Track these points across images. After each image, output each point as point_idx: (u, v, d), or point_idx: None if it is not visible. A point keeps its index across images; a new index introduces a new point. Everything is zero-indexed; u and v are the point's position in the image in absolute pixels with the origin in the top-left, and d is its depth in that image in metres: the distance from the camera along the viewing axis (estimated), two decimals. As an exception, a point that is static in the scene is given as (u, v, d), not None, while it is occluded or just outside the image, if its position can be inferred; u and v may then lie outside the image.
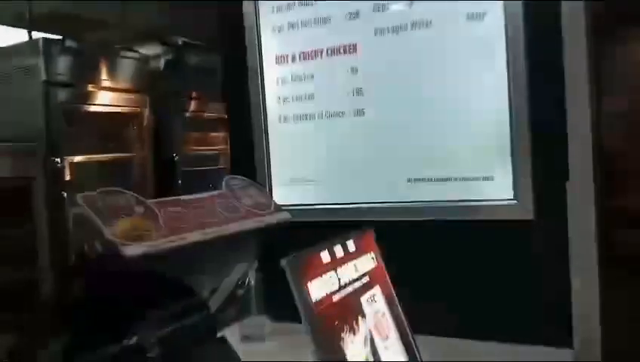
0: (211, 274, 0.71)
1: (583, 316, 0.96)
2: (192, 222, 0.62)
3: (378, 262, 0.69)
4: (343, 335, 0.54)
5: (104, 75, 2.61)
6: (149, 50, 2.93)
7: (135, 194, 0.58)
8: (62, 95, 2.38)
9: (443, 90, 1.03)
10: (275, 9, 1.18)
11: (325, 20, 1.13)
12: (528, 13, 0.96)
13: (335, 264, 0.59)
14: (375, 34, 1.08)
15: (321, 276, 0.55)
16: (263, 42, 1.19)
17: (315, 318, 0.50)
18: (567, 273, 0.96)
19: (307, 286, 0.52)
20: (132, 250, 0.52)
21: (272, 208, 0.74)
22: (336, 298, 0.55)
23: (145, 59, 2.81)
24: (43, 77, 2.27)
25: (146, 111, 2.77)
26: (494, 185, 1.00)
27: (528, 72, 0.97)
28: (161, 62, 2.87)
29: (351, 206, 1.11)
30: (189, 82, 2.92)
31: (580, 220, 0.95)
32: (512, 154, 0.98)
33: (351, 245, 0.64)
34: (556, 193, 0.96)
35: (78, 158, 2.45)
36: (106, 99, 2.62)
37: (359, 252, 0.65)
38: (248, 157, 1.22)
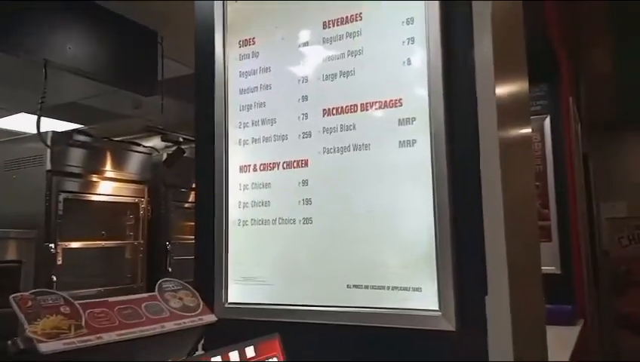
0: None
1: None
2: (113, 323, 0.70)
3: (283, 367, 0.76)
4: None
5: (107, 166, 2.80)
6: (151, 143, 3.15)
7: (64, 295, 0.67)
8: (64, 184, 2.55)
9: (379, 206, 1.15)
10: (242, 125, 1.33)
11: (283, 137, 1.27)
12: (449, 141, 1.09)
13: (227, 368, 0.66)
14: (323, 152, 1.21)
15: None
16: (230, 153, 1.33)
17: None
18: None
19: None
20: (48, 346, 0.61)
21: (200, 311, 0.83)
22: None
23: (147, 153, 3.01)
24: (48, 166, 2.45)
25: (144, 201, 2.92)
26: (422, 296, 1.08)
27: (451, 194, 1.08)
28: (162, 156, 3.06)
29: (294, 307, 1.19)
30: (186, 175, 3.10)
31: (497, 333, 1.02)
32: (437, 268, 1.07)
33: (250, 351, 0.72)
34: (477, 306, 1.04)
35: (73, 244, 2.57)
36: (106, 189, 2.79)
37: (260, 356, 0.73)
38: (209, 253, 1.32)
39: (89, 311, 0.67)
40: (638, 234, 7.32)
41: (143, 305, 0.76)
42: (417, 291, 1.09)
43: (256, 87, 1.32)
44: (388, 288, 1.12)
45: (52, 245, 2.38)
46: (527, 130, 1.49)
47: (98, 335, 0.66)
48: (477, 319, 1.04)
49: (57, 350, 0.61)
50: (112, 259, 2.75)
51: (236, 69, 1.35)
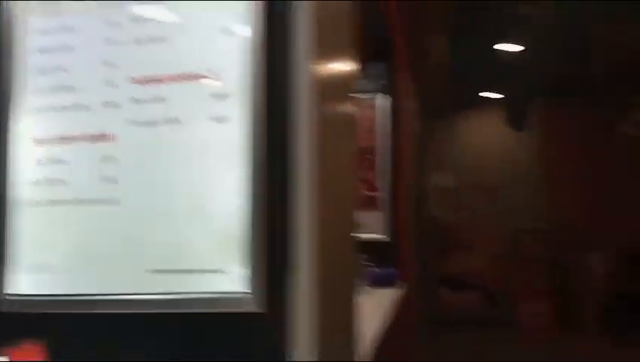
0: None
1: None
2: None
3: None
4: None
5: None
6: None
7: None
8: None
9: (190, 185, 1.09)
10: (37, 91, 1.17)
11: (85, 107, 1.14)
12: (265, 119, 1.07)
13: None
14: (131, 125, 1.12)
15: None
16: (21, 123, 1.16)
17: None
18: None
19: None
20: None
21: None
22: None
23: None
24: None
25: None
26: (232, 278, 1.06)
27: (262, 174, 1.06)
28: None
29: (94, 297, 1.10)
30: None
31: (303, 309, 1.04)
32: (248, 250, 1.05)
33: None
34: (286, 287, 1.05)
35: None
36: None
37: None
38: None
39: None
40: (463, 202, 8.17)
41: None
42: (227, 273, 1.06)
43: (57, 48, 1.16)
44: (197, 271, 1.07)
45: None
46: (350, 110, 1.53)
47: None
48: (287, 300, 1.05)
49: None
50: None
51: (34, 24, 1.18)
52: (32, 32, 1.18)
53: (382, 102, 3.62)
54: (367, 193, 3.71)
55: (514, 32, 5.14)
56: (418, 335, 4.62)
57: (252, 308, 1.05)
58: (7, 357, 0.56)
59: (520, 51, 5.63)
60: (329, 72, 1.25)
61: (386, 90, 3.57)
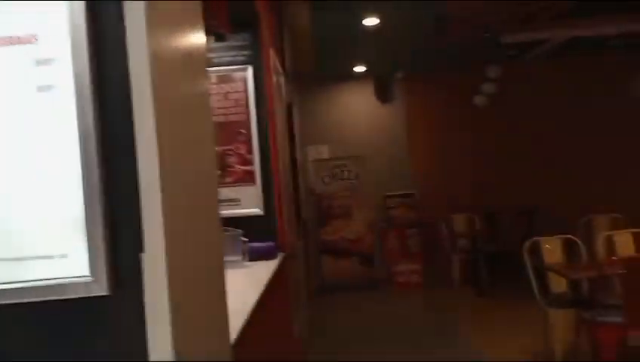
0: None
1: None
2: None
3: None
4: None
5: None
6: None
7: None
8: None
9: (18, 164, 0.99)
10: None
11: None
12: (100, 89, 1.00)
13: None
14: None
15: None
16: None
17: None
18: (145, 342, 1.01)
19: None
20: None
21: None
22: None
23: None
24: None
25: None
26: (71, 262, 0.99)
27: (100, 150, 0.99)
28: None
29: None
30: None
31: (155, 289, 1.01)
32: (86, 231, 0.99)
33: None
34: (134, 267, 1.01)
35: None
36: None
37: None
38: None
39: None
40: (338, 173, 8.41)
41: None
42: (64, 257, 0.99)
43: None
44: (29, 258, 0.99)
45: None
46: (203, 85, 1.48)
47: None
48: (134, 280, 1.01)
49: None
50: None
51: None
52: None
53: (251, 75, 3.58)
54: (241, 168, 3.68)
55: (376, 7, 5.32)
56: (298, 303, 4.74)
57: (96, 291, 0.99)
58: None
59: (381, 25, 5.86)
60: (172, 46, 1.20)
61: (253, 61, 3.53)
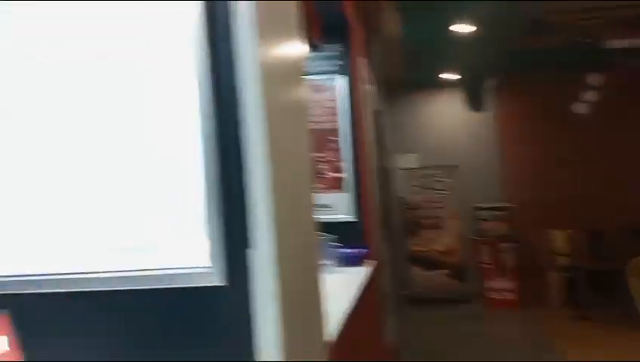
0: None
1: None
2: None
3: (11, 346, 0.70)
4: None
5: None
6: None
7: None
8: None
9: (143, 163, 1.09)
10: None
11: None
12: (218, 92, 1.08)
13: None
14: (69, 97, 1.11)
15: None
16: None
17: None
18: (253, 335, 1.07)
19: None
20: None
21: None
22: None
23: None
24: None
25: None
26: (191, 253, 1.07)
27: (218, 150, 1.07)
28: None
29: (51, 276, 1.10)
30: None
31: (264, 285, 1.07)
32: (206, 225, 1.07)
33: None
34: (244, 260, 1.07)
35: None
36: None
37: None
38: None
39: None
40: (427, 182, 8.29)
41: None
42: (186, 248, 1.08)
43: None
44: (155, 248, 1.08)
45: None
46: (301, 90, 1.55)
47: None
48: (247, 272, 1.07)
49: None
50: None
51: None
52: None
53: (342, 84, 3.65)
54: (332, 174, 3.75)
55: (466, 11, 5.22)
56: (388, 313, 4.71)
57: (214, 281, 1.07)
58: None
59: (473, 31, 5.73)
60: (276, 56, 1.27)
61: (344, 71, 3.60)
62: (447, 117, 8.63)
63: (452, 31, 5.71)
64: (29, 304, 0.92)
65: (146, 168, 1.09)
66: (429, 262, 8.07)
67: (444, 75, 8.00)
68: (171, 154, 1.09)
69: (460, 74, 7.94)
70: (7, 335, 0.68)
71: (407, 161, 8.47)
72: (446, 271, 8.03)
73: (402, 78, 7.27)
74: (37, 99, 1.12)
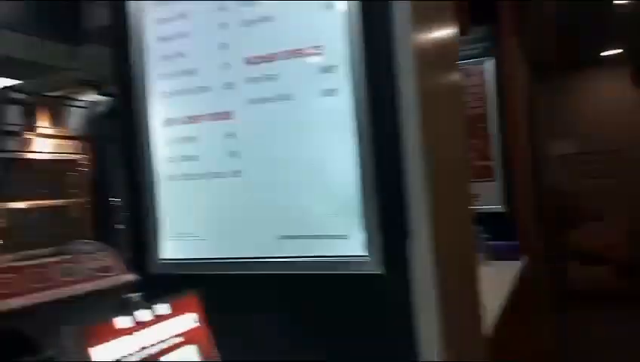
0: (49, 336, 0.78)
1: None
2: (21, 288, 0.69)
3: (200, 323, 0.77)
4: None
5: (43, 123, 2.69)
6: (92, 97, 3.02)
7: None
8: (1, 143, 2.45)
9: (305, 156, 1.14)
10: (163, 76, 1.28)
11: (205, 89, 1.23)
12: (370, 88, 1.09)
13: (136, 328, 0.66)
14: (248, 103, 1.19)
15: (109, 341, 0.62)
16: (153, 106, 1.29)
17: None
18: (413, 323, 1.06)
19: (89, 352, 0.59)
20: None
21: (116, 271, 0.82)
22: (128, 360, 0.63)
23: (85, 108, 2.90)
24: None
25: (87, 158, 2.84)
26: (350, 242, 1.10)
27: (372, 141, 1.08)
28: (101, 110, 2.97)
29: (227, 260, 1.20)
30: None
31: (422, 274, 1.06)
32: (363, 215, 1.09)
33: (164, 309, 0.72)
34: (403, 249, 1.07)
35: (14, 205, 2.50)
36: (46, 147, 2.69)
37: (176, 314, 0.73)
38: (140, 210, 1.30)
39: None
40: (587, 170, 7.61)
41: (55, 269, 0.75)
42: (345, 238, 1.11)
43: (175, 35, 1.26)
44: (317, 236, 1.13)
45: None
46: (455, 75, 1.49)
47: (5, 301, 0.65)
48: (403, 261, 1.07)
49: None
50: (58, 218, 2.69)
51: (154, 15, 1.29)
52: (152, 23, 1.29)
53: (490, 67, 3.46)
54: (479, 162, 3.59)
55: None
56: (544, 309, 4.42)
57: (371, 269, 1.09)
58: (169, 308, 0.65)
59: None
60: (431, 41, 1.24)
61: (493, 54, 3.41)
62: (608, 97, 7.78)
63: (612, 4, 5.13)
64: (212, 284, 1.02)
65: (307, 162, 1.14)
66: (590, 257, 7.38)
67: (604, 52, 7.22)
68: (329, 146, 1.12)
69: (623, 49, 7.10)
70: (197, 313, 0.75)
71: (563, 146, 7.81)
72: (610, 267, 7.29)
73: (558, 57, 6.70)
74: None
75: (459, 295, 1.27)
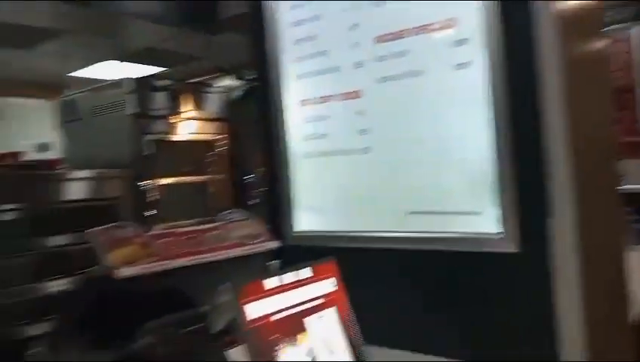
0: (204, 293, 0.87)
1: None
2: (182, 250, 0.78)
3: (338, 287, 0.82)
4: (278, 346, 0.67)
5: (185, 107, 2.93)
6: (228, 82, 3.22)
7: (135, 227, 0.75)
8: (146, 126, 2.72)
9: (436, 131, 1.14)
10: (298, 59, 1.34)
11: (336, 69, 1.27)
12: (507, 60, 1.05)
13: (281, 289, 0.72)
14: (377, 81, 1.21)
15: (259, 299, 0.69)
16: (289, 88, 1.36)
17: (249, 333, 0.64)
18: (551, 302, 1.02)
19: (243, 308, 0.66)
20: (124, 272, 0.70)
21: (262, 238, 0.89)
22: (275, 316, 0.69)
23: (224, 91, 3.11)
24: (129, 111, 2.62)
25: (226, 138, 3.06)
26: (484, 219, 1.08)
27: (509, 115, 1.05)
28: (239, 94, 3.16)
29: (357, 234, 1.24)
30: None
31: (563, 254, 1.01)
32: (499, 191, 1.06)
33: (306, 273, 0.77)
34: (540, 227, 1.03)
35: (162, 181, 2.77)
36: (188, 128, 2.95)
37: (316, 278, 0.78)
38: (277, 185, 1.39)
39: (159, 241, 0.76)
40: None
41: (208, 235, 0.84)
42: (479, 214, 1.09)
43: (307, 19, 1.31)
44: (449, 213, 1.12)
45: (142, 183, 2.59)
46: (600, 44, 1.38)
47: (169, 262, 0.74)
48: (540, 240, 1.03)
49: (132, 275, 0.69)
50: (200, 193, 2.95)
51: (287, 1, 1.35)
52: (286, 8, 1.35)
53: (638, 33, 3.12)
54: (626, 138, 3.28)
55: None
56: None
57: (505, 247, 1.06)
58: (310, 272, 0.70)
59: None
60: (572, 7, 1.15)
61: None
62: None
63: None
64: (348, 256, 1.07)
65: (438, 139, 1.13)
66: None
67: None
68: (462, 121, 1.10)
69: None
70: (335, 277, 0.80)
71: None
72: None
73: None
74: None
75: (603, 280, 1.19)
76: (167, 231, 0.81)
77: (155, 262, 0.73)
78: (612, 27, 3.21)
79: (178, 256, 0.77)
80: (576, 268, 1.00)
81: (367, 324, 0.85)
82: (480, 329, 1.08)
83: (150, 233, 0.77)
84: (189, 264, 0.77)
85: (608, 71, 1.46)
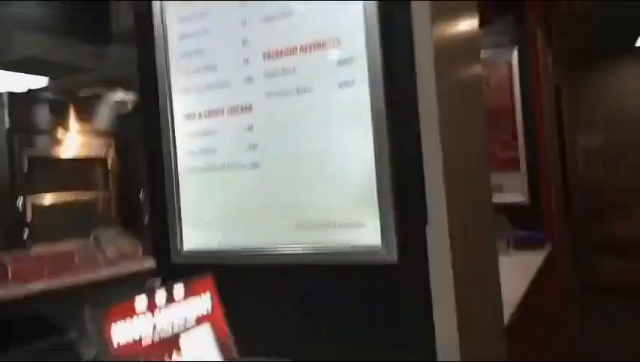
0: (73, 317, 0.82)
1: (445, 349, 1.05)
2: (41, 273, 0.72)
3: (214, 302, 0.80)
4: (148, 370, 0.64)
5: (71, 121, 2.77)
6: (118, 95, 3.09)
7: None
8: (28, 141, 2.53)
9: (322, 147, 1.16)
10: (185, 72, 1.31)
11: (225, 84, 1.26)
12: (388, 79, 1.09)
13: (153, 308, 0.69)
14: (266, 97, 1.21)
15: (128, 321, 0.65)
16: (174, 101, 1.32)
17: (114, 359, 0.61)
18: (431, 312, 1.07)
19: (109, 333, 0.62)
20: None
21: (138, 258, 0.85)
22: (147, 338, 0.66)
23: (112, 105, 2.98)
24: (7, 125, 2.43)
25: (112, 153, 2.92)
26: (366, 231, 1.11)
27: (389, 132, 1.09)
28: (128, 107, 3.04)
29: (248, 251, 1.22)
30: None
31: (439, 262, 1.06)
32: (379, 204, 1.09)
33: (180, 290, 0.74)
34: (419, 239, 1.08)
35: (41, 200, 2.58)
36: (73, 144, 2.78)
37: (191, 294, 0.76)
38: (162, 202, 1.34)
39: (14, 263, 0.70)
40: (615, 161, 7.45)
41: (75, 255, 0.78)
42: (361, 227, 1.12)
43: (196, 32, 1.29)
44: (334, 226, 1.14)
45: (20, 202, 2.40)
46: (477, 67, 1.48)
47: (25, 286, 0.68)
48: (419, 251, 1.08)
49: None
50: (84, 213, 2.77)
51: (176, 13, 1.32)
52: (174, 21, 1.32)
53: (515, 57, 3.42)
54: (505, 153, 3.56)
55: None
56: (569, 302, 4.35)
57: (386, 259, 1.09)
58: (184, 289, 0.68)
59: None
60: (452, 32, 1.23)
61: (517, 43, 3.36)
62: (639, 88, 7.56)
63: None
64: (237, 272, 1.04)
65: (323, 154, 1.15)
66: (619, 250, 7.23)
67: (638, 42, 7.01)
68: (345, 138, 1.13)
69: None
70: (212, 294, 0.78)
71: (591, 138, 7.65)
72: (637, 261, 7.12)
73: (585, 46, 6.55)
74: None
75: (477, 284, 1.26)
76: (27, 253, 0.75)
77: (9, 287, 0.67)
78: (492, 51, 3.47)
79: (36, 280, 0.71)
80: (450, 276, 1.06)
81: (252, 338, 0.84)
82: (361, 341, 1.11)
83: (5, 254, 0.71)
84: (49, 288, 0.71)
85: (481, 92, 1.57)
